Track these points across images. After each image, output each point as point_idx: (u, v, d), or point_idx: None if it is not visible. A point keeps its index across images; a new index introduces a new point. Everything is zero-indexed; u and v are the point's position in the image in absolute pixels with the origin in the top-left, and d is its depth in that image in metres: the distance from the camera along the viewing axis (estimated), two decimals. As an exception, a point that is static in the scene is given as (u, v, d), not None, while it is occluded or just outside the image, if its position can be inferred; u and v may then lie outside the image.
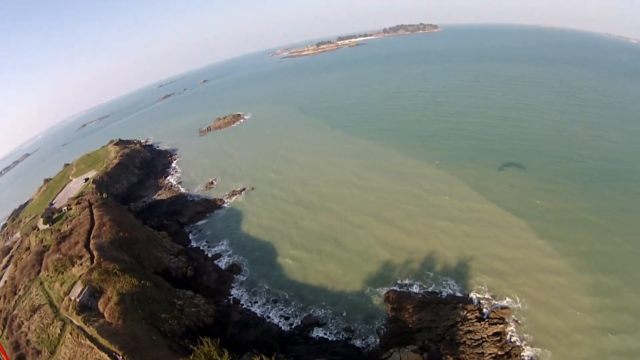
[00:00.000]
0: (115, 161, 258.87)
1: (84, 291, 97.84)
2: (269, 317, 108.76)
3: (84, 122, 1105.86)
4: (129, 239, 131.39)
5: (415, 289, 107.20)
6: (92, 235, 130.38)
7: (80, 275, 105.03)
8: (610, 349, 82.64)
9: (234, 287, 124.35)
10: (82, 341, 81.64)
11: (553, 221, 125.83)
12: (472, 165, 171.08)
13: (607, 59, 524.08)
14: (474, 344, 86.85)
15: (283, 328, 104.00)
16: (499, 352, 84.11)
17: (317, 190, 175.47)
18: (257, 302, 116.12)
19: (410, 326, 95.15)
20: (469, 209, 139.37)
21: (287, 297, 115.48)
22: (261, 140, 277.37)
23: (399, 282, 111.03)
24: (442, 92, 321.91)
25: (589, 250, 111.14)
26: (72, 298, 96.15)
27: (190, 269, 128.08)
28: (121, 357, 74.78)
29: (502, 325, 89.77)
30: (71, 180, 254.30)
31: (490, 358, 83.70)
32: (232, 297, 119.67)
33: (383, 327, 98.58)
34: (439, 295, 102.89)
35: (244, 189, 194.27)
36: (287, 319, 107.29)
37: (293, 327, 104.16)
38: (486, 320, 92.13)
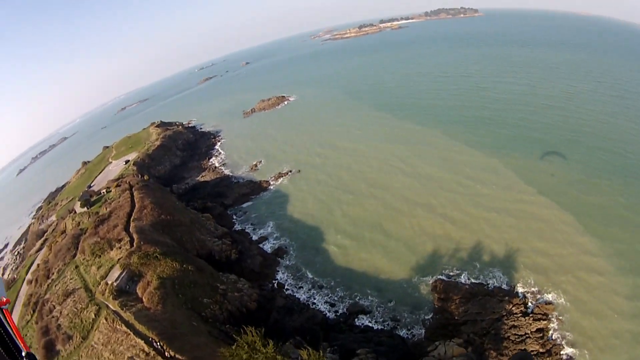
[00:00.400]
0: (157, 143, 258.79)
1: (122, 275, 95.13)
2: (314, 304, 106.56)
3: (124, 106, 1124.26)
4: (171, 221, 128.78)
5: (462, 279, 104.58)
6: (132, 218, 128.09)
7: (119, 259, 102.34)
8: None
9: (278, 271, 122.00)
10: (118, 327, 79.25)
11: (595, 216, 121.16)
12: (516, 153, 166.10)
13: None
14: (518, 340, 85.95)
15: (328, 315, 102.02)
16: (540, 350, 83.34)
17: (362, 176, 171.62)
18: (302, 287, 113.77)
19: (456, 318, 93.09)
20: (514, 200, 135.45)
21: (332, 283, 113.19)
22: (305, 122, 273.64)
23: (446, 271, 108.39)
24: (485, 77, 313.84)
25: (629, 250, 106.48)
26: (109, 282, 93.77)
27: (234, 252, 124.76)
28: (158, 344, 71.38)
29: (545, 322, 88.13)
30: (111, 162, 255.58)
31: (532, 354, 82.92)
32: (276, 281, 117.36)
33: (429, 317, 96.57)
34: (485, 287, 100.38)
35: (290, 172, 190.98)
36: (332, 305, 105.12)
37: (338, 314, 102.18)
38: (530, 315, 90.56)
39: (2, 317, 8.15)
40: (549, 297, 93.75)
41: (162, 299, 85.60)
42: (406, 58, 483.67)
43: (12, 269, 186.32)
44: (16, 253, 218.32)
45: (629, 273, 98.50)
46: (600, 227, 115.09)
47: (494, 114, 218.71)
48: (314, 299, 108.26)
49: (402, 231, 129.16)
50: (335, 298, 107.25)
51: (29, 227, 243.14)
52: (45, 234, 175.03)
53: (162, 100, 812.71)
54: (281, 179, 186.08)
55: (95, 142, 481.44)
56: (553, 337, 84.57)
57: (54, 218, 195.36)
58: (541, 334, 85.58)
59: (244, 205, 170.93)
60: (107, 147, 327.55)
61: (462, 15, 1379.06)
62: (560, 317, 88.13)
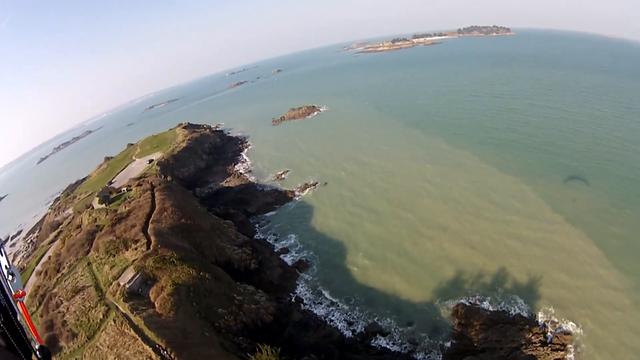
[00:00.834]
0: (184, 144, 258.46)
1: (136, 277, 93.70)
2: (331, 320, 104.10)
3: (152, 104, 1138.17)
4: (191, 226, 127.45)
5: (485, 305, 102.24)
6: (151, 219, 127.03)
7: (134, 261, 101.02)
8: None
9: (298, 284, 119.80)
10: (126, 330, 77.82)
11: (618, 249, 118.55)
12: (542, 179, 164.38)
13: None
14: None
15: (345, 333, 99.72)
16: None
17: (387, 194, 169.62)
18: (320, 303, 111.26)
19: (475, 345, 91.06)
20: (539, 228, 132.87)
21: (352, 301, 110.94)
22: (334, 135, 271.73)
23: (468, 296, 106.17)
24: (515, 99, 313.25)
25: None
26: (122, 283, 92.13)
27: (254, 262, 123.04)
28: (166, 353, 69.15)
29: (562, 352, 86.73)
30: (134, 160, 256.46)
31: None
32: (295, 295, 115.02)
33: (448, 343, 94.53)
34: (507, 315, 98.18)
35: (317, 184, 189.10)
36: (350, 324, 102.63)
37: (356, 333, 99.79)
38: (549, 345, 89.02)
39: (17, 309, 7.93)
40: (568, 327, 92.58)
41: (175, 306, 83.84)
42: (438, 75, 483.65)
43: (23, 256, 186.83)
44: (29, 241, 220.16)
45: None
46: (623, 261, 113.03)
47: (523, 137, 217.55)
48: (332, 315, 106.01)
49: (425, 253, 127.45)
50: (354, 316, 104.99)
51: (44, 217, 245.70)
52: (60, 227, 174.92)
53: (191, 101, 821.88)
54: (307, 190, 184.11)
55: (120, 138, 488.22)
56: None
57: (70, 211, 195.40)
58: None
59: (267, 214, 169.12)
60: (132, 144, 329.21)
61: (494, 34, 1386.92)
62: (578, 349, 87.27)
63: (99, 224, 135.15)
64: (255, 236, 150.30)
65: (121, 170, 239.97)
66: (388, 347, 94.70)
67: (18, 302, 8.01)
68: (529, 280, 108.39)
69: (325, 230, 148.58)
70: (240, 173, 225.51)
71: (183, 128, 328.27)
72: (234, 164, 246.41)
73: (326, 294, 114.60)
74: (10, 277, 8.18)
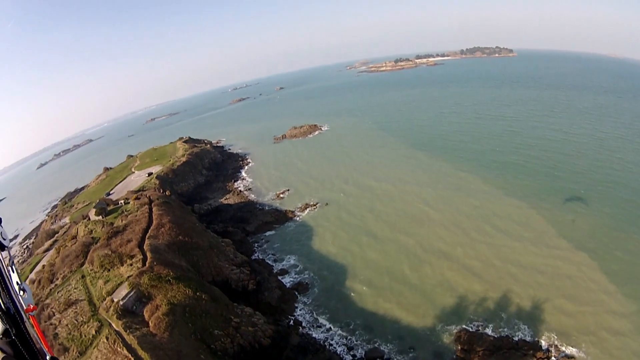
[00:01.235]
0: (184, 159, 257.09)
1: (130, 294, 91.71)
2: (330, 345, 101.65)
3: (153, 116, 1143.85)
4: (188, 243, 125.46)
5: (488, 330, 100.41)
6: (148, 234, 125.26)
7: (129, 277, 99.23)
8: None
9: (297, 307, 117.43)
10: (119, 349, 76.16)
11: (622, 274, 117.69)
12: (545, 203, 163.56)
13: None
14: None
15: (345, 358, 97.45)
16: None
17: (387, 219, 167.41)
18: (319, 326, 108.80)
19: None
20: (542, 254, 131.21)
21: (351, 325, 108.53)
22: (336, 155, 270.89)
23: (471, 321, 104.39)
24: (518, 121, 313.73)
25: None
26: (115, 300, 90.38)
27: (252, 283, 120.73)
28: None
29: None
30: (133, 172, 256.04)
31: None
32: (293, 317, 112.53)
33: None
34: (510, 340, 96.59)
35: (317, 204, 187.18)
36: (350, 348, 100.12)
37: (356, 358, 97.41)
38: None
39: (29, 323, 8.27)
40: (572, 352, 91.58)
41: (169, 326, 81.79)
42: (440, 96, 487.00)
43: (18, 262, 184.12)
44: (25, 247, 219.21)
45: None
46: (626, 286, 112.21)
47: (526, 159, 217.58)
48: (331, 340, 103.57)
49: (426, 279, 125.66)
50: (354, 341, 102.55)
51: (41, 223, 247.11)
52: (56, 235, 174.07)
53: (193, 116, 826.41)
54: (307, 211, 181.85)
55: (121, 149, 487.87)
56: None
57: (67, 220, 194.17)
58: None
59: (267, 233, 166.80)
60: (132, 156, 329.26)
61: (496, 55, 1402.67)
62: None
63: (95, 236, 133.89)
64: (254, 256, 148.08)
65: (120, 182, 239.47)
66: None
67: (30, 315, 8.34)
68: (532, 306, 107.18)
69: (325, 253, 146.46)
70: (240, 190, 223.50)
71: (184, 142, 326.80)
72: (234, 181, 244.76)
73: (325, 317, 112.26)
74: (21, 293, 8.45)
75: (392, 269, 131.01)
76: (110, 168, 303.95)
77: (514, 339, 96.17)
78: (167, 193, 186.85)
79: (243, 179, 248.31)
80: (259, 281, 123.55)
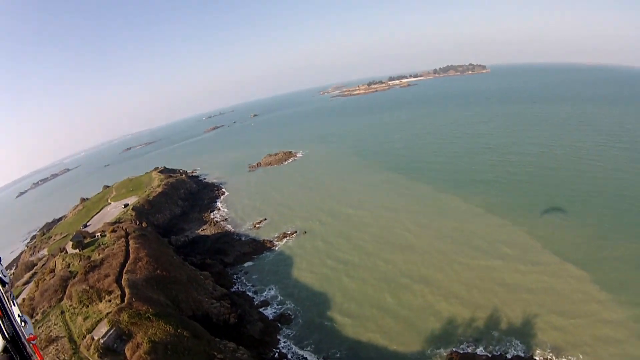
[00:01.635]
0: (159, 190, 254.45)
1: (110, 332, 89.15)
2: None
3: (129, 146, 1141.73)
4: (166, 277, 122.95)
5: (480, 350, 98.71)
6: (125, 269, 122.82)
7: (108, 313, 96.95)
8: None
9: (280, 339, 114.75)
10: None
11: (611, 282, 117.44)
12: (526, 219, 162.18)
13: None
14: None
15: None
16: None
17: (365, 246, 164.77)
18: (305, 358, 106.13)
19: None
20: (527, 271, 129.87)
21: (338, 354, 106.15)
22: (312, 182, 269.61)
23: (461, 343, 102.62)
24: (495, 137, 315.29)
25: None
26: (96, 337, 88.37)
27: (233, 316, 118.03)
28: None
29: None
30: (110, 203, 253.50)
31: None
32: (278, 350, 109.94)
33: None
34: (504, 357, 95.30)
35: (295, 233, 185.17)
36: None
37: None
38: None
39: (32, 352, 8.98)
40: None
41: (152, 366, 78.94)
42: (415, 117, 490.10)
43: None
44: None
45: None
46: (615, 293, 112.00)
47: (504, 176, 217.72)
48: None
49: (411, 302, 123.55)
50: None
51: (21, 254, 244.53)
52: (35, 268, 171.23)
53: (168, 145, 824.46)
54: (285, 240, 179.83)
55: (97, 178, 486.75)
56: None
57: (45, 252, 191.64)
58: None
59: (245, 264, 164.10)
60: (108, 186, 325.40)
61: (470, 72, 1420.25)
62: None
63: (73, 270, 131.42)
64: (233, 288, 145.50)
65: (96, 213, 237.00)
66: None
67: (31, 344, 9.07)
68: (523, 323, 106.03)
69: (305, 283, 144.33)
70: (217, 221, 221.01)
71: (159, 172, 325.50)
72: (210, 212, 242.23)
73: (311, 349, 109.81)
74: (23, 324, 9.12)
75: (373, 297, 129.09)
76: (87, 199, 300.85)
77: (508, 356, 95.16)
78: (143, 225, 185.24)
79: (219, 209, 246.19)
80: (240, 314, 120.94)
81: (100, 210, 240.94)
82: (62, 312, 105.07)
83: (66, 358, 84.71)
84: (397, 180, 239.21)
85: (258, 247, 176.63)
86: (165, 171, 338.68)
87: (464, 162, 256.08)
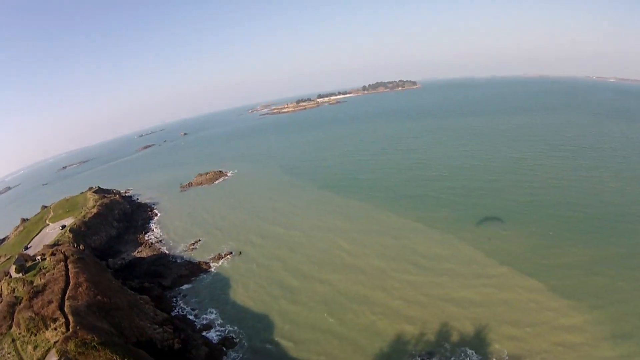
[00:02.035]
0: (94, 210, 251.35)
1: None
2: None
3: (65, 164, 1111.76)
4: (107, 304, 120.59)
5: None
6: (67, 295, 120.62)
7: (55, 342, 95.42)
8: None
9: None
10: None
11: (561, 277, 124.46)
12: (468, 233, 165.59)
13: (590, 101, 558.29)
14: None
15: None
16: None
17: (306, 260, 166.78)
18: None
19: None
20: (475, 275, 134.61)
21: None
22: (245, 200, 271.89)
23: (413, 357, 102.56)
24: (427, 152, 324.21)
25: (601, 316, 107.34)
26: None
27: (177, 342, 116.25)
28: None
29: None
30: (48, 224, 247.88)
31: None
32: None
33: None
34: None
35: (231, 253, 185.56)
36: None
37: None
38: None
39: None
40: None
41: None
42: (344, 134, 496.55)
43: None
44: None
45: (606, 324, 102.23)
46: (571, 299, 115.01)
47: (441, 190, 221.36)
48: None
49: (357, 319, 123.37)
50: None
51: None
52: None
53: (102, 163, 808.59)
54: (221, 261, 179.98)
55: (36, 197, 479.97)
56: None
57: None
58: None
59: (183, 287, 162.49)
60: (46, 207, 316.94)
61: (400, 88, 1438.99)
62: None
63: (18, 296, 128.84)
64: (174, 312, 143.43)
65: (36, 235, 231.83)
66: None
67: None
68: (475, 334, 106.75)
69: (246, 303, 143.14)
70: (152, 243, 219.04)
71: (93, 192, 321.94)
72: (145, 233, 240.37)
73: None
74: None
75: (314, 319, 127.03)
76: (27, 219, 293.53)
77: None
78: (81, 247, 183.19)
79: (153, 230, 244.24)
80: (184, 339, 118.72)
81: (39, 232, 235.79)
82: (13, 340, 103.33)
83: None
84: (329, 199, 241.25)
85: (194, 269, 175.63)
86: (100, 191, 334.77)
87: (398, 178, 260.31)
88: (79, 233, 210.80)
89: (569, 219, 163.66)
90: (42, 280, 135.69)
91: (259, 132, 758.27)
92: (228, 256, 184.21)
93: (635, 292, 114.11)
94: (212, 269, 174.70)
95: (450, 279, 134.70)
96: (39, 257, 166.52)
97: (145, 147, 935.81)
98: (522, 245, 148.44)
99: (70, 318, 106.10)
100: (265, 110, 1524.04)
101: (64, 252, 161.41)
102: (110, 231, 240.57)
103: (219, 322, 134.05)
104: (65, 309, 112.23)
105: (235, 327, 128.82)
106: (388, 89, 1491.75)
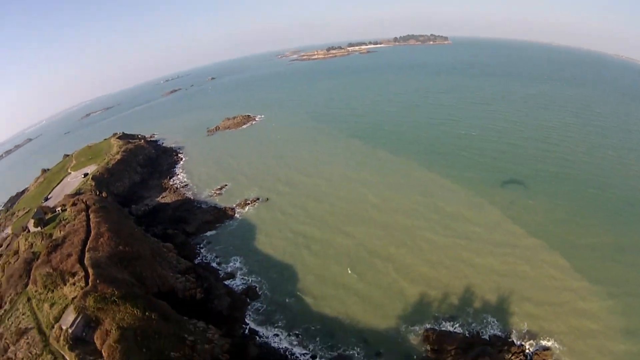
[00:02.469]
0: (118, 157, 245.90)
1: (78, 320, 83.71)
2: (292, 354, 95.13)
3: (88, 112, 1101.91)
4: (130, 253, 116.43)
5: (456, 328, 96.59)
6: (87, 246, 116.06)
7: (73, 298, 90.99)
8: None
9: (248, 314, 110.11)
10: None
11: (583, 258, 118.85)
12: (496, 198, 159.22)
13: (619, 79, 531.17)
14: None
15: None
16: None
17: (331, 211, 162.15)
18: (277, 334, 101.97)
19: None
20: (500, 243, 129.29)
21: (311, 330, 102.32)
22: (273, 145, 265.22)
23: (436, 319, 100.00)
24: (458, 109, 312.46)
25: (619, 292, 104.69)
26: (64, 327, 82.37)
27: (199, 291, 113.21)
28: None
29: None
30: (70, 173, 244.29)
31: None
32: (248, 326, 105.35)
33: None
34: (482, 336, 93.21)
35: (258, 199, 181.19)
36: (314, 357, 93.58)
37: None
38: None
39: None
40: (546, 341, 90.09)
41: (124, 355, 74.58)
42: (375, 84, 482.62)
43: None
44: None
45: (620, 316, 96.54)
46: (590, 269, 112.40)
47: (471, 149, 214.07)
48: (293, 349, 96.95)
49: (380, 275, 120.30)
50: (316, 349, 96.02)
51: None
52: (0, 249, 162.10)
53: (127, 109, 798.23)
54: (247, 207, 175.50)
55: (58, 147, 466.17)
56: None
57: (9, 231, 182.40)
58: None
59: (208, 234, 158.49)
60: (68, 155, 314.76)
61: (431, 42, 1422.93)
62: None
63: (35, 251, 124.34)
64: (197, 259, 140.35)
65: (57, 184, 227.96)
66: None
67: None
68: (499, 297, 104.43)
69: (270, 253, 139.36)
70: (177, 188, 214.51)
71: (118, 138, 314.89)
72: (170, 178, 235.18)
73: (282, 323, 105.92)
74: None
75: (336, 274, 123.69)
76: (48, 169, 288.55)
77: (485, 334, 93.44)
78: (103, 195, 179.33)
79: (179, 175, 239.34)
80: (207, 289, 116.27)
81: (60, 181, 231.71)
82: (29, 299, 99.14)
83: (38, 352, 79.42)
84: (357, 149, 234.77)
85: (219, 215, 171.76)
86: (124, 137, 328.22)
87: (428, 133, 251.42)
88: (101, 181, 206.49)
89: (596, 197, 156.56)
90: (62, 232, 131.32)
91: (287, 77, 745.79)
92: (254, 203, 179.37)
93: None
94: (237, 216, 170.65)
95: (475, 244, 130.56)
96: (59, 209, 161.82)
97: (172, 92, 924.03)
98: (548, 217, 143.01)
99: (90, 271, 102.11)
100: (294, 56, 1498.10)
101: (86, 201, 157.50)
102: (134, 177, 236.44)
103: (242, 271, 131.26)
104: (85, 261, 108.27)
105: (259, 277, 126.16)
106: (419, 42, 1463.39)
